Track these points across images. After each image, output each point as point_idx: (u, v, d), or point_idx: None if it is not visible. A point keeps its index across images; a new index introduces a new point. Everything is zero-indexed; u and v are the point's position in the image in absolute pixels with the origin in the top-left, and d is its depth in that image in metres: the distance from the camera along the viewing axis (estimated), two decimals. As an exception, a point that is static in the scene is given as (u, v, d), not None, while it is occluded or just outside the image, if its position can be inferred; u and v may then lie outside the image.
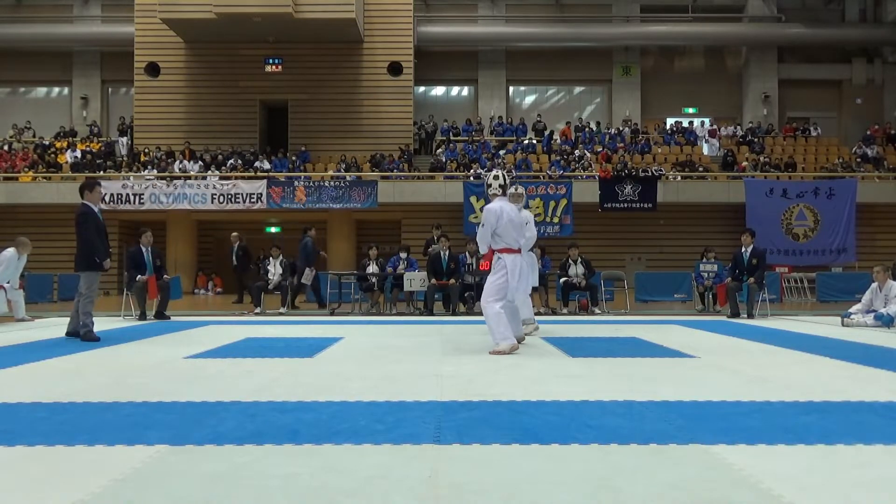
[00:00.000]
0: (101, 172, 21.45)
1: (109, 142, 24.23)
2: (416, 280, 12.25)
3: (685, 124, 24.72)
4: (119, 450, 3.07)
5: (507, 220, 6.51)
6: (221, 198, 19.98)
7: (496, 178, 6.69)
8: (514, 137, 24.04)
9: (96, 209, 7.84)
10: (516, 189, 7.52)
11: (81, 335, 7.55)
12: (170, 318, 10.67)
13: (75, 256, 7.76)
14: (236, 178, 20.67)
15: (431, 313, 11.86)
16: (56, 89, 26.93)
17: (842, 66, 26.14)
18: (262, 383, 4.76)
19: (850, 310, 9.81)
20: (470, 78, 26.32)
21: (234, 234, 16.71)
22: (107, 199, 19.75)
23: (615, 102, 26.23)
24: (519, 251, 6.63)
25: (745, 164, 22.35)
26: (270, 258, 12.86)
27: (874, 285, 9.66)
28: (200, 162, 21.71)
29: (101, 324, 9.57)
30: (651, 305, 14.73)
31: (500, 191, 6.65)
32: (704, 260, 13.49)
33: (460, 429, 3.41)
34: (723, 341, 7.50)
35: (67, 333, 7.79)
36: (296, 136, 23.29)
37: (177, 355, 6.25)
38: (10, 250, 10.76)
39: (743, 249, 11.48)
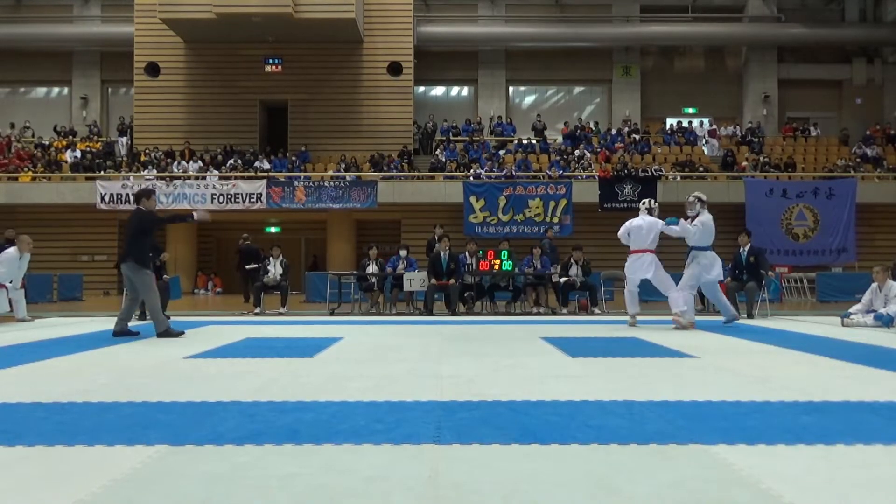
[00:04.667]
0: (101, 172, 21.46)
1: (109, 142, 24.19)
2: (415, 280, 12.24)
3: (685, 124, 24.70)
4: (119, 450, 3.06)
5: (634, 228, 9.32)
6: (221, 198, 19.98)
7: (643, 203, 9.59)
8: (513, 137, 24.03)
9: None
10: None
11: (158, 334, 7.73)
12: (169, 318, 10.64)
13: (124, 255, 8.07)
14: (236, 178, 20.66)
15: (431, 313, 11.86)
16: (56, 89, 26.92)
17: (842, 66, 26.11)
18: (262, 383, 4.76)
19: (850, 310, 9.79)
20: (470, 78, 26.30)
21: (244, 235, 17.02)
22: (106, 199, 19.78)
23: (615, 102, 26.21)
24: (643, 251, 9.27)
25: (744, 164, 22.33)
26: (270, 258, 12.87)
27: (874, 285, 9.65)
28: (200, 162, 21.70)
29: (101, 324, 9.60)
30: (651, 305, 14.69)
31: (647, 213, 9.42)
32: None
33: (460, 429, 3.41)
34: (723, 341, 7.50)
35: (158, 335, 7.82)
36: (296, 136, 23.27)
37: (177, 355, 6.25)
38: (11, 249, 10.74)
39: (741, 249, 11.61)
